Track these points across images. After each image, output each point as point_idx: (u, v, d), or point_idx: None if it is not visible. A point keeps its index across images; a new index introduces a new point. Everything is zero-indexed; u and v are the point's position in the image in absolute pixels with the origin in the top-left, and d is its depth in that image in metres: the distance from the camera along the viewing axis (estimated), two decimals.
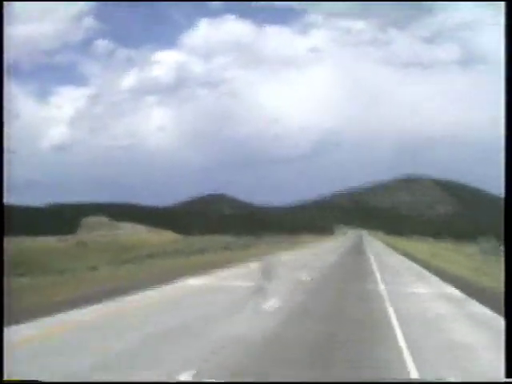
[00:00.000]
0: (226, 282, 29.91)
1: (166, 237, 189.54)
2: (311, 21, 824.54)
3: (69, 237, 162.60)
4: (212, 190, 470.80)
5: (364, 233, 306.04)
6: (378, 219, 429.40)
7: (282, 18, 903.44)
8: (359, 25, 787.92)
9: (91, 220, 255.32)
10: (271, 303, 20.94)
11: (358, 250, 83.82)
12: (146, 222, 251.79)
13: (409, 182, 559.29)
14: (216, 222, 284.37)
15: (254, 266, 37.82)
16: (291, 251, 74.33)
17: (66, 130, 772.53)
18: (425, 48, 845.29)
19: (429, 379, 10.37)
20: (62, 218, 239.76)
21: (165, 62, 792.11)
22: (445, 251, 76.83)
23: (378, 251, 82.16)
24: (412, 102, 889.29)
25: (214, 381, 10.00)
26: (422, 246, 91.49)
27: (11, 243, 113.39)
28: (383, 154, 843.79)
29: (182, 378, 10.23)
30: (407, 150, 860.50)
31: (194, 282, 29.23)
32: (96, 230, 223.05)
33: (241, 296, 22.88)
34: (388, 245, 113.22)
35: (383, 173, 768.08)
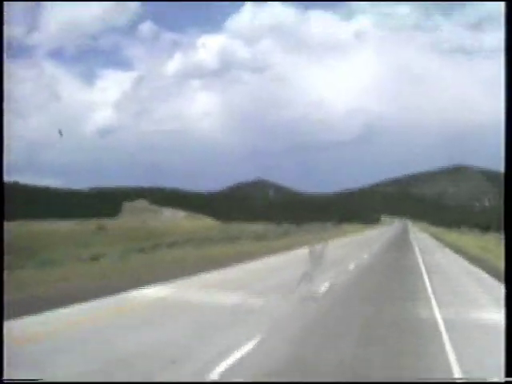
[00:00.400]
0: (213, 294, 20.92)
1: (203, 223, 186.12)
2: (355, 5, 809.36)
3: (105, 221, 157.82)
4: (256, 175, 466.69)
5: (409, 222, 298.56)
6: (423, 209, 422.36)
7: (326, 3, 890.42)
8: (404, 10, 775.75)
9: (133, 204, 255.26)
10: None
11: (402, 243, 78.02)
12: (187, 208, 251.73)
13: (455, 172, 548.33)
14: (258, 208, 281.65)
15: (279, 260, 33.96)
16: (332, 241, 67.48)
17: (110, 114, 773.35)
18: (470, 34, 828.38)
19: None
20: (104, 202, 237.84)
21: (209, 46, 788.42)
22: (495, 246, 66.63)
23: (427, 245, 76.11)
24: (458, 89, 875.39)
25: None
26: (470, 239, 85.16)
27: (35, 226, 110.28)
28: (429, 141, 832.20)
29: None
30: (454, 139, 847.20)
31: (158, 292, 20.87)
32: (137, 215, 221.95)
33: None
34: (437, 238, 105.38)
35: (429, 162, 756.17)
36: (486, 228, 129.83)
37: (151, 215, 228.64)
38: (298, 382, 9.05)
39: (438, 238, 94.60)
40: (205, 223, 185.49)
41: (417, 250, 59.14)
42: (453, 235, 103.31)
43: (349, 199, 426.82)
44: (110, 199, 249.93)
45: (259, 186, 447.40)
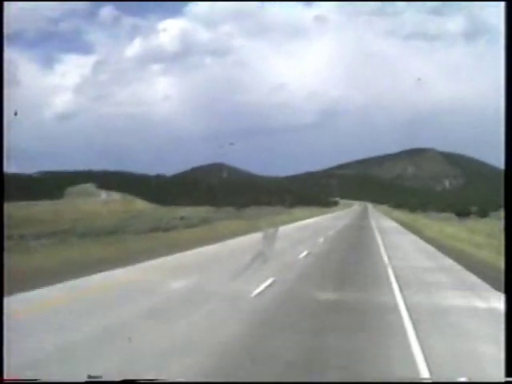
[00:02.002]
0: None
1: (133, 206, 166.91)
2: None
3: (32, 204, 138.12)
4: (215, 159, 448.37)
5: (369, 205, 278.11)
6: (383, 192, 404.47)
7: None
8: None
9: (78, 188, 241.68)
10: None
11: (360, 242, 55.72)
12: (132, 191, 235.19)
13: (414, 155, 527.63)
14: (209, 192, 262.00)
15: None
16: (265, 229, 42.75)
17: (70, 98, 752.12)
18: (431, 19, 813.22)
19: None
20: (50, 186, 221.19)
21: (170, 30, 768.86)
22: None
23: (406, 252, 50.84)
24: (418, 73, 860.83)
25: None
26: (461, 231, 62.17)
27: None
28: (389, 125, 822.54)
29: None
30: (413, 122, 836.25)
31: None
32: (77, 198, 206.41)
33: None
34: (410, 229, 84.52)
35: (389, 145, 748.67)
36: (464, 213, 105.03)
37: (88, 199, 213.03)
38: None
39: (411, 230, 59.78)
40: (136, 206, 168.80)
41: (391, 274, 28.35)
42: (428, 223, 74.31)
43: (306, 182, 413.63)
44: (56, 183, 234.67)
45: (217, 169, 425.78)
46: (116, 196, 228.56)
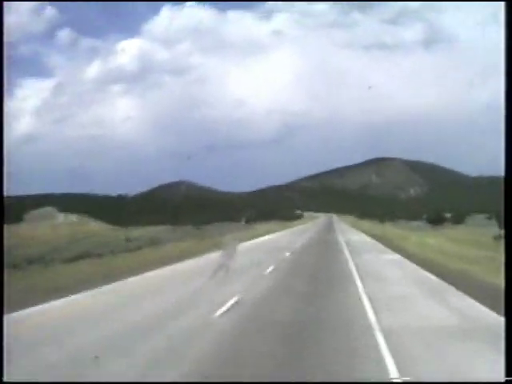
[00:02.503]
0: None
1: (86, 228, 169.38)
2: (272, 5, 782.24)
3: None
4: (177, 177, 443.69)
5: (334, 217, 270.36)
6: (347, 203, 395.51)
7: (243, 3, 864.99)
8: (320, 7, 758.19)
9: (38, 212, 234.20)
10: None
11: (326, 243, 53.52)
12: (93, 213, 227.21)
13: (378, 164, 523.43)
14: (169, 210, 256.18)
15: None
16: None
17: (30, 122, 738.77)
18: (388, 30, 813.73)
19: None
20: (10, 210, 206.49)
21: (128, 51, 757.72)
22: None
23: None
24: (378, 83, 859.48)
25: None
26: (445, 243, 54.40)
27: None
28: (351, 136, 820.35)
29: None
30: (375, 132, 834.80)
31: None
32: (36, 222, 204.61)
33: None
34: (386, 245, 77.55)
35: (352, 156, 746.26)
36: (437, 220, 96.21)
37: (46, 222, 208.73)
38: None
39: (388, 245, 48.35)
40: (87, 229, 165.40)
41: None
42: (403, 235, 62.91)
43: (270, 197, 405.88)
44: (18, 207, 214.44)
45: (179, 187, 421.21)
46: (73, 218, 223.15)
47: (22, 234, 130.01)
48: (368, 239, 61.62)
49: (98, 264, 33.40)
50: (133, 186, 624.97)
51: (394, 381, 7.34)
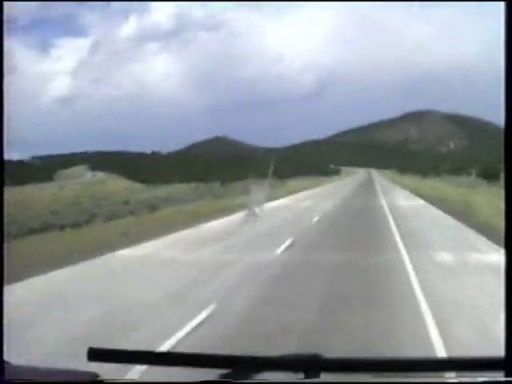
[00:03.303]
0: None
1: (110, 187, 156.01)
2: None
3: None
4: (216, 134, 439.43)
5: (374, 172, 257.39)
6: (387, 157, 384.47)
7: None
8: None
9: (68, 171, 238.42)
10: None
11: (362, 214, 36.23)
12: (124, 171, 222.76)
13: (416, 118, 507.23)
14: (202, 166, 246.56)
15: None
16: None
17: (67, 82, 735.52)
18: None
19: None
20: (43, 170, 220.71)
21: (163, 8, 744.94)
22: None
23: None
24: (416, 36, 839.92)
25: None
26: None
27: None
28: (389, 90, 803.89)
29: None
30: (414, 85, 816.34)
31: None
32: (68, 180, 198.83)
33: None
34: (411, 190, 66.57)
35: (390, 109, 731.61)
36: (490, 175, 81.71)
37: (74, 181, 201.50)
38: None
39: (458, 216, 30.19)
40: (111, 188, 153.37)
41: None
42: (465, 195, 46.44)
43: (307, 152, 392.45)
44: (50, 167, 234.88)
45: (217, 144, 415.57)
46: (102, 176, 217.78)
47: (40, 194, 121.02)
48: (419, 202, 45.17)
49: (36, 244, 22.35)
50: (170, 144, 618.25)
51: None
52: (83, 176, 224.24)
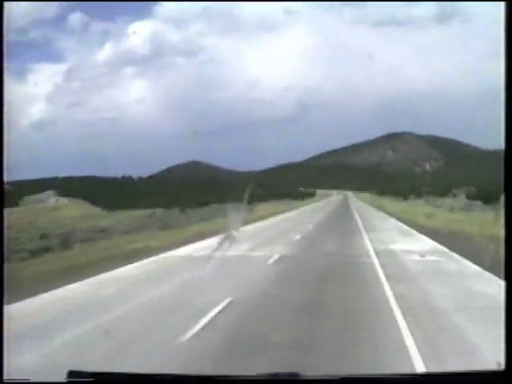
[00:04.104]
0: None
1: (64, 213, 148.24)
2: None
3: None
4: (191, 158, 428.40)
5: (350, 195, 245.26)
6: (363, 179, 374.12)
7: None
8: None
9: (37, 196, 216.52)
10: None
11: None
12: (90, 196, 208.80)
13: (392, 140, 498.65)
14: (171, 191, 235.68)
15: None
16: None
17: (44, 107, 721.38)
18: (400, 5, 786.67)
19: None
20: (12, 195, 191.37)
21: (140, 33, 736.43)
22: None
23: None
24: (391, 59, 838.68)
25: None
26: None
27: None
28: (364, 113, 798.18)
29: None
30: (389, 108, 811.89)
31: None
32: (28, 206, 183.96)
33: None
34: (400, 219, 53.08)
35: (366, 132, 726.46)
36: (487, 197, 67.27)
37: (35, 205, 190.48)
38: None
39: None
40: (64, 214, 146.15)
41: None
42: (470, 223, 35.64)
43: (283, 175, 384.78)
44: (23, 192, 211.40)
45: (192, 168, 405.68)
46: (64, 202, 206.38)
47: None
48: (436, 248, 27.06)
49: None
50: (145, 168, 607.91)
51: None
52: (46, 201, 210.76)
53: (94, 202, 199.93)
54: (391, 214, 64.58)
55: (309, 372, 4.83)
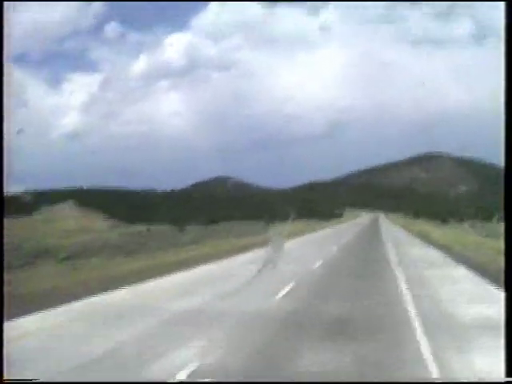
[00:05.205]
0: None
1: (72, 225, 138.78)
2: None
3: None
4: (221, 173, 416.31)
5: (382, 217, 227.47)
6: (395, 200, 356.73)
7: None
8: (368, 3, 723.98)
9: (56, 207, 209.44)
10: None
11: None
12: (107, 208, 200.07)
13: (425, 160, 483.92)
14: (200, 207, 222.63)
15: None
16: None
17: (78, 117, 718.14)
18: (437, 24, 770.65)
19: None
20: (30, 204, 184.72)
21: (176, 45, 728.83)
22: None
23: None
24: (425, 78, 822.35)
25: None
26: None
27: None
28: (397, 132, 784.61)
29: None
30: (424, 128, 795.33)
31: None
32: (46, 216, 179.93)
33: None
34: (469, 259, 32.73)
35: (398, 152, 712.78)
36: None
37: (51, 216, 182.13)
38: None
39: None
40: (81, 223, 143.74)
41: None
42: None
43: (313, 193, 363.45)
44: (38, 201, 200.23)
45: (221, 183, 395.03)
46: (74, 213, 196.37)
47: None
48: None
49: None
50: (176, 182, 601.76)
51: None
52: (58, 212, 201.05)
53: (108, 214, 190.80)
54: (442, 249, 44.44)
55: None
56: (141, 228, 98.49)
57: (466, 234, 63.59)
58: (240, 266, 31.13)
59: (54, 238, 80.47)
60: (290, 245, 46.42)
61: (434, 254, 41.31)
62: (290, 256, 35.21)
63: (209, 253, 40.99)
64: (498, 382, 7.84)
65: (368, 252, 42.79)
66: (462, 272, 28.27)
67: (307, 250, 43.96)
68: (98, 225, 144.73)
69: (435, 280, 24.58)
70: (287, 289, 21.24)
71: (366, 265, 32.43)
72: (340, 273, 28.00)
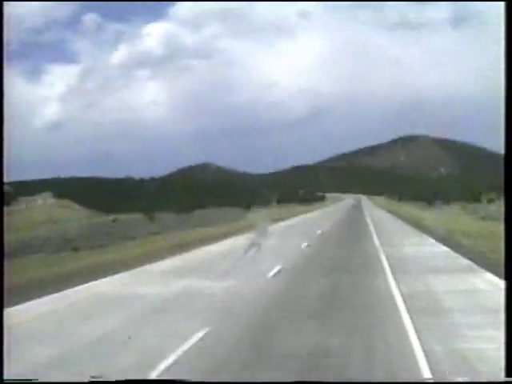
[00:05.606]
0: None
1: (44, 215, 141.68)
2: None
3: None
4: (203, 160, 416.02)
5: (364, 199, 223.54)
6: (376, 183, 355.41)
7: None
8: None
9: (33, 197, 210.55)
10: None
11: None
12: (83, 197, 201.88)
13: (406, 143, 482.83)
14: (180, 193, 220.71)
15: None
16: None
17: (57, 108, 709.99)
18: (415, 7, 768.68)
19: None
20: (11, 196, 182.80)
21: (155, 35, 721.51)
22: None
23: None
24: (405, 62, 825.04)
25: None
26: None
27: None
28: (378, 115, 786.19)
29: None
30: (403, 111, 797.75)
31: None
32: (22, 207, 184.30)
33: None
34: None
35: (379, 135, 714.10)
36: None
37: (24, 206, 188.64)
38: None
39: None
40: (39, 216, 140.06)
41: None
42: None
43: (294, 177, 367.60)
44: (21, 193, 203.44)
45: (202, 169, 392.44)
46: (51, 202, 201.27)
47: None
48: None
49: None
50: (158, 169, 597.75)
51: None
52: (35, 202, 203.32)
53: (84, 204, 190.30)
54: (444, 242, 31.53)
55: None
56: (111, 217, 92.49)
57: (459, 216, 57.79)
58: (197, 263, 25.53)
59: (13, 231, 74.75)
60: (272, 231, 41.76)
61: (440, 251, 28.44)
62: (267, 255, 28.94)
63: (174, 243, 35.84)
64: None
65: (350, 238, 38.90)
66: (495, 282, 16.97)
67: (288, 242, 36.08)
68: (70, 215, 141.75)
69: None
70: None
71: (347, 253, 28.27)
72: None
